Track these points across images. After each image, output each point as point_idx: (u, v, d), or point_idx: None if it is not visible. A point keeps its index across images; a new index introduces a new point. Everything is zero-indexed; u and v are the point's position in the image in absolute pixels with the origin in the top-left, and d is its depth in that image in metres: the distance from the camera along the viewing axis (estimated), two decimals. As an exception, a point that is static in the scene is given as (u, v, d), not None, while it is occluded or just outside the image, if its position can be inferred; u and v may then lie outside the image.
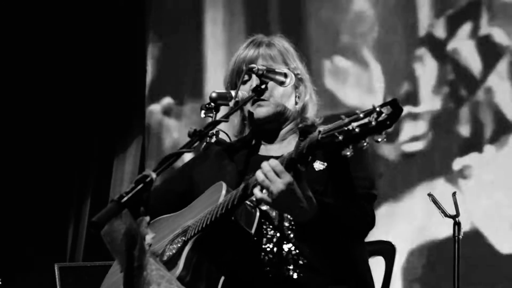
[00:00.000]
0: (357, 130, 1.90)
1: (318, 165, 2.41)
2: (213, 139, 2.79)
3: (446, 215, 3.63)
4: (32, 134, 5.58)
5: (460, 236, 3.58)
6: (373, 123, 1.88)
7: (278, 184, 2.11)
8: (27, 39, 5.62)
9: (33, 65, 5.61)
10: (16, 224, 5.48)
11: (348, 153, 1.93)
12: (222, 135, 2.77)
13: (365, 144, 1.91)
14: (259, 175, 2.13)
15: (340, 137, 1.93)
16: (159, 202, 2.64)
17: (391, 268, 2.75)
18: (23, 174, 5.56)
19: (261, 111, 2.50)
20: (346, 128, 1.92)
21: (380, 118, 1.87)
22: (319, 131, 2.01)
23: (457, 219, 3.60)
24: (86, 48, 5.73)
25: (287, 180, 2.11)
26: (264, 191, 2.13)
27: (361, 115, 1.91)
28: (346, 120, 1.94)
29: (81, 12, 5.72)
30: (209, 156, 2.64)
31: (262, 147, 2.58)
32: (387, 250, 2.80)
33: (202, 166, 2.63)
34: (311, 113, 2.56)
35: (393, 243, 2.94)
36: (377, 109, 1.89)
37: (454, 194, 3.65)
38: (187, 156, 3.04)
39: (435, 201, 3.69)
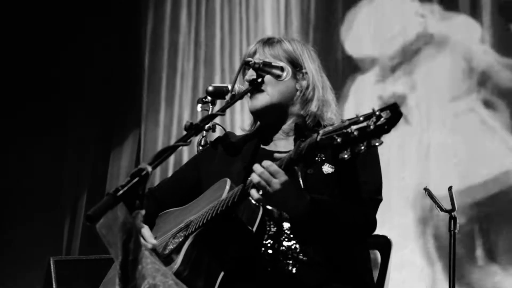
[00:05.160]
0: (355, 133, 1.90)
1: (327, 169, 2.40)
2: (209, 133, 2.79)
3: (442, 209, 3.63)
4: (28, 129, 5.58)
5: (456, 231, 3.58)
6: (372, 127, 1.88)
7: (274, 185, 2.12)
8: (26, 34, 5.62)
9: (30, 61, 5.61)
10: (12, 218, 5.48)
11: (346, 156, 1.93)
12: (219, 129, 2.77)
13: (362, 147, 1.91)
14: (254, 176, 2.14)
15: (339, 140, 1.93)
16: (168, 195, 2.64)
17: (387, 263, 2.74)
18: (19, 168, 5.56)
19: (254, 102, 2.48)
20: (345, 131, 1.92)
21: (379, 122, 1.87)
22: (318, 133, 2.01)
23: (453, 213, 3.61)
24: (84, 42, 5.73)
25: (282, 179, 2.12)
26: (261, 191, 2.14)
27: (361, 118, 1.91)
28: (346, 122, 1.94)
29: (82, 4, 5.73)
30: (217, 151, 2.63)
31: (271, 143, 2.57)
32: (382, 244, 2.79)
33: (210, 161, 2.61)
34: (316, 110, 2.49)
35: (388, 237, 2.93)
36: (377, 113, 1.89)
37: (450, 188, 3.65)
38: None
39: (431, 196, 3.69)
